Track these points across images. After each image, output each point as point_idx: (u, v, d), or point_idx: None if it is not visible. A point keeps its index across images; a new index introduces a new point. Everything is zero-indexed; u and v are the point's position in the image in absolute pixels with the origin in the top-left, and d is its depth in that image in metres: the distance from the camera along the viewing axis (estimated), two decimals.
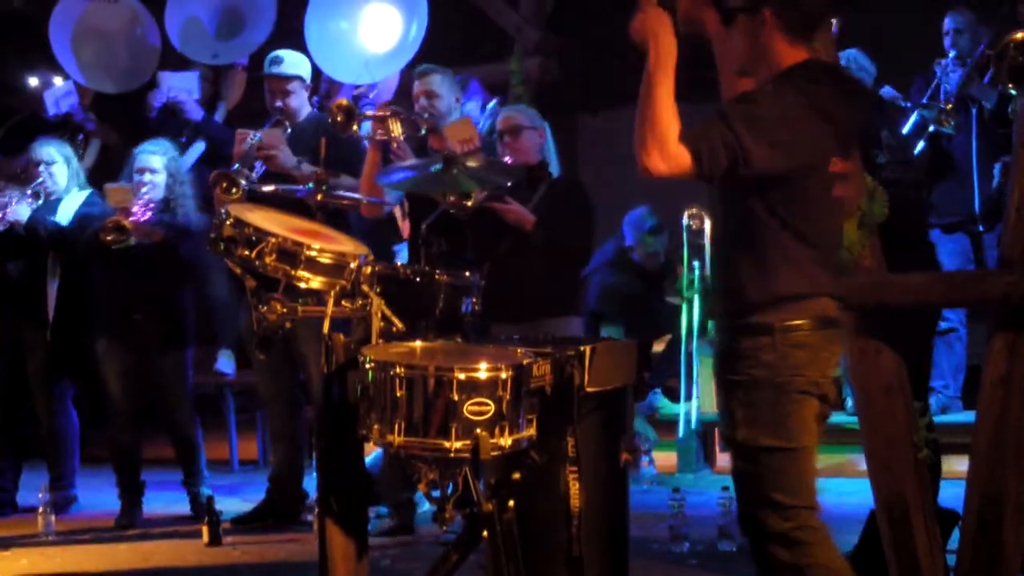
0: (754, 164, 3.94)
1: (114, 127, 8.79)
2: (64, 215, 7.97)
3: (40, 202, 7.99)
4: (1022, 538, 4.75)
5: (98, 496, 8.14)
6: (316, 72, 8.01)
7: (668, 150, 3.93)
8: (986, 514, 4.71)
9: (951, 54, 7.90)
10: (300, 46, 7.96)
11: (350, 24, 8.34)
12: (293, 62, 7.62)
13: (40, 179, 8.00)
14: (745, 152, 3.93)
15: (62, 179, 8.09)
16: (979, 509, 4.73)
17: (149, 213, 7.50)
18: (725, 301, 4.20)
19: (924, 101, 7.88)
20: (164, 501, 8.10)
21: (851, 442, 7.53)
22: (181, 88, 8.53)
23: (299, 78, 7.60)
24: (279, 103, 7.51)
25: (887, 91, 7.59)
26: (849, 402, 6.84)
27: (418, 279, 4.87)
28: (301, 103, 7.61)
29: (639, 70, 4.23)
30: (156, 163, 7.72)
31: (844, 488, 7.63)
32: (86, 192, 8.14)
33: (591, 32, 10.04)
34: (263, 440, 9.08)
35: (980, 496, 4.72)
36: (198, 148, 8.72)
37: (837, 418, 8.01)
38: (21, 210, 7.85)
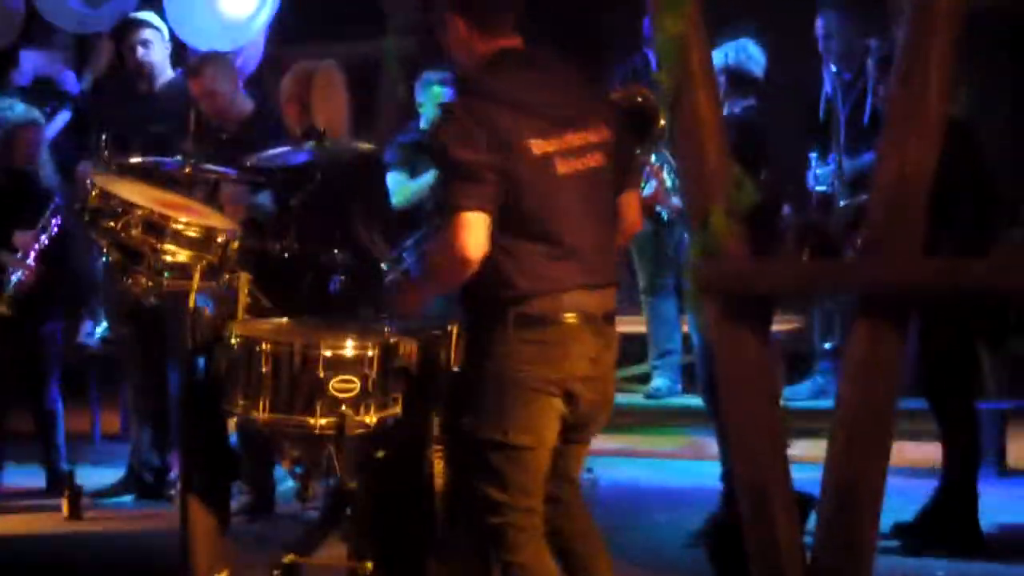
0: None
1: None
2: None
3: None
4: (877, 522, 4.85)
5: None
6: (180, 43, 7.93)
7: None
8: (843, 498, 4.79)
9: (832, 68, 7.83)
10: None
11: None
12: (147, 16, 7.60)
13: None
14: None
15: None
16: (836, 493, 4.81)
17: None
18: (463, 291, 4.22)
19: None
20: (22, 475, 7.96)
21: (696, 423, 7.67)
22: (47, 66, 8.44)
23: (155, 28, 7.53)
24: (140, 54, 7.42)
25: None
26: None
27: (287, 256, 4.85)
28: (162, 60, 7.54)
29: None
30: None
31: (691, 469, 7.72)
32: None
33: None
34: (126, 413, 8.94)
35: (837, 481, 4.80)
36: (63, 117, 8.59)
37: (683, 400, 8.23)
38: None
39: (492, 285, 4.12)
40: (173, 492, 7.16)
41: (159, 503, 7.23)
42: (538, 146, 4.13)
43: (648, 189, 6.56)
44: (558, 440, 4.24)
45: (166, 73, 7.57)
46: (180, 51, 7.90)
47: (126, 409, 8.87)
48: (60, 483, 7.38)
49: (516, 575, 4.18)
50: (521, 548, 4.16)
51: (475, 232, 4.03)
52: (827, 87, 7.74)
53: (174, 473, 7.27)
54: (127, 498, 7.40)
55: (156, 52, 7.52)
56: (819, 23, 7.97)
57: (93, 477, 7.62)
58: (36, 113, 7.77)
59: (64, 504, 7.02)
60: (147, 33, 7.49)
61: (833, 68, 7.68)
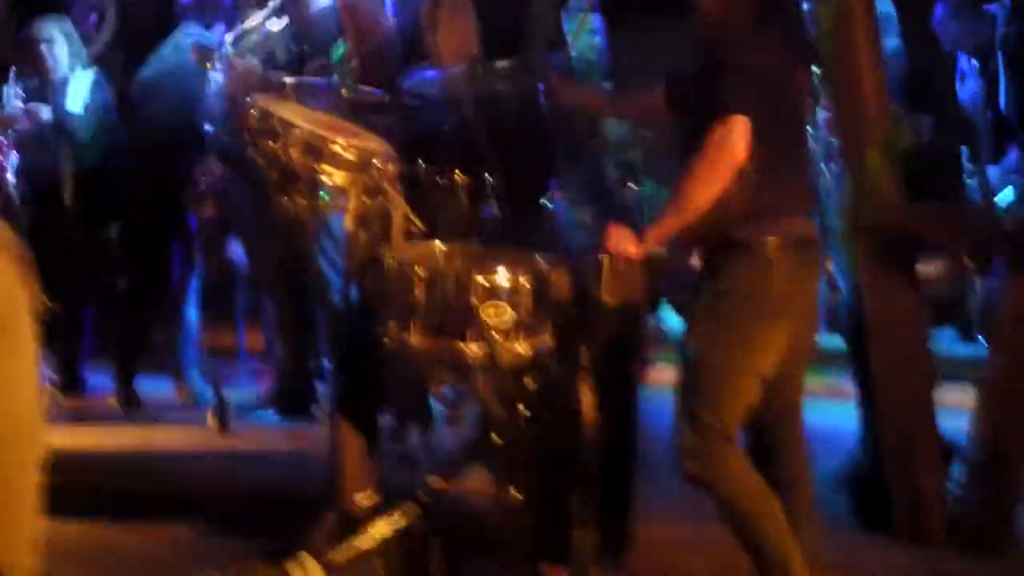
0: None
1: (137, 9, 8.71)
2: (74, 99, 7.91)
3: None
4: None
5: (104, 381, 8.15)
6: None
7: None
8: (991, 450, 4.76)
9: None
10: None
11: None
12: None
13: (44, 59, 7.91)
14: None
15: (63, 58, 7.94)
16: (984, 445, 4.77)
17: None
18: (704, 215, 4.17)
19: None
20: (169, 387, 8.13)
21: (833, 364, 7.58)
22: None
23: None
24: None
25: None
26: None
27: (440, 180, 4.86)
28: None
29: None
30: None
31: (829, 411, 7.63)
32: (91, 73, 8.04)
33: None
34: (270, 331, 9.06)
35: (986, 433, 4.76)
36: (218, 30, 8.68)
37: (825, 341, 8.10)
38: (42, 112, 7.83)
39: (753, 205, 4.09)
40: (315, 410, 7.29)
41: (303, 421, 7.35)
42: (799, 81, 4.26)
43: None
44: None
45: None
46: None
47: (270, 327, 9.00)
48: (189, 394, 7.77)
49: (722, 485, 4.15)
50: (730, 460, 4.14)
51: (747, 137, 4.02)
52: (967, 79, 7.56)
53: (319, 392, 7.38)
54: (270, 413, 7.53)
55: None
56: (937, 10, 7.76)
57: (237, 392, 7.76)
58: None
59: (209, 418, 7.16)
60: None
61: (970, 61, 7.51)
